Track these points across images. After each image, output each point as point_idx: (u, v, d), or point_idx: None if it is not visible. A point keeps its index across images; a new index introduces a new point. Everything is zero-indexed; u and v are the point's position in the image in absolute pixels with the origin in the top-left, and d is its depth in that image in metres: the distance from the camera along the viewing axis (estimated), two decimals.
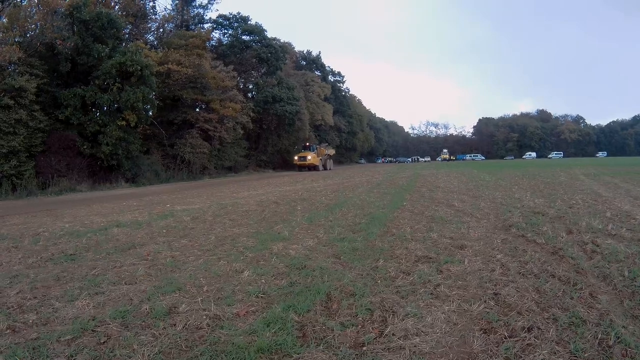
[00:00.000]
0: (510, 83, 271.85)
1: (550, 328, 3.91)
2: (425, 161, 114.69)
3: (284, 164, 56.61)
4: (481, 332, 3.92)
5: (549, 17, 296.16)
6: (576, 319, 4.09)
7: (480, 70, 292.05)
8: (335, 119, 76.54)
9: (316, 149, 55.85)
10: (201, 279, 5.60)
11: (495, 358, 3.49)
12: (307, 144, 56.73)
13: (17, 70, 23.14)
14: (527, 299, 4.63)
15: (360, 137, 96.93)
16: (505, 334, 3.84)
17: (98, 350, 3.66)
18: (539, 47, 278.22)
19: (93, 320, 4.26)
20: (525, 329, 3.90)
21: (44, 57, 25.61)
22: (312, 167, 52.66)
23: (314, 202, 14.47)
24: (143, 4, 37.64)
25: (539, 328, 3.91)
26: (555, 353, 3.51)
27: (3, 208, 15.98)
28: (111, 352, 3.63)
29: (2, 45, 22.47)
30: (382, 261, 6.25)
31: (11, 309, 4.67)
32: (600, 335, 3.75)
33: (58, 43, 24.75)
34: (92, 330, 4.05)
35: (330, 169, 57.41)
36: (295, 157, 53.29)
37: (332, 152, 65.24)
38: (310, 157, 52.65)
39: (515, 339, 3.75)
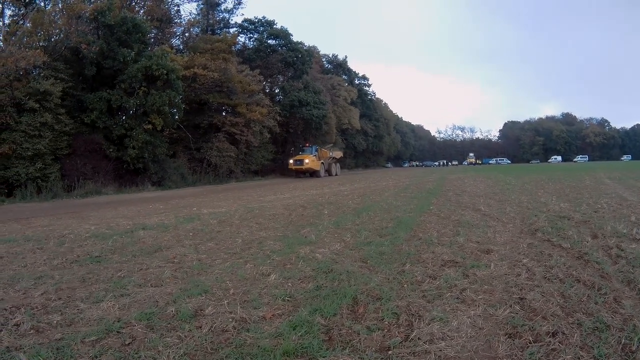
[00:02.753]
0: (535, 86, 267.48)
1: (574, 333, 3.89)
2: (453, 164, 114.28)
3: None
4: (506, 336, 3.91)
5: (574, 20, 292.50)
6: (600, 324, 4.06)
7: (506, 74, 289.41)
8: (362, 122, 75.95)
9: (317, 150, 46.76)
10: (227, 282, 5.64)
11: None
12: (307, 144, 48.13)
13: (42, 74, 23.63)
14: (552, 303, 4.59)
15: (386, 141, 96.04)
16: (530, 338, 3.83)
17: (123, 352, 3.71)
18: (563, 50, 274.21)
19: (118, 321, 4.31)
20: (550, 334, 3.88)
21: (69, 61, 26.12)
22: (312, 173, 45.10)
23: (341, 205, 14.44)
24: (168, 8, 38.03)
25: (563, 333, 3.89)
26: (579, 358, 3.51)
27: (28, 210, 16.36)
28: (136, 353, 3.68)
29: (27, 50, 22.88)
30: (408, 265, 6.23)
31: (35, 310, 4.73)
32: (623, 341, 3.72)
33: (83, 47, 25.17)
34: (117, 332, 4.10)
35: (336, 175, 50.09)
36: (290, 161, 44.88)
37: (338, 154, 54.97)
38: (308, 160, 43.75)
39: (540, 343, 3.73)
